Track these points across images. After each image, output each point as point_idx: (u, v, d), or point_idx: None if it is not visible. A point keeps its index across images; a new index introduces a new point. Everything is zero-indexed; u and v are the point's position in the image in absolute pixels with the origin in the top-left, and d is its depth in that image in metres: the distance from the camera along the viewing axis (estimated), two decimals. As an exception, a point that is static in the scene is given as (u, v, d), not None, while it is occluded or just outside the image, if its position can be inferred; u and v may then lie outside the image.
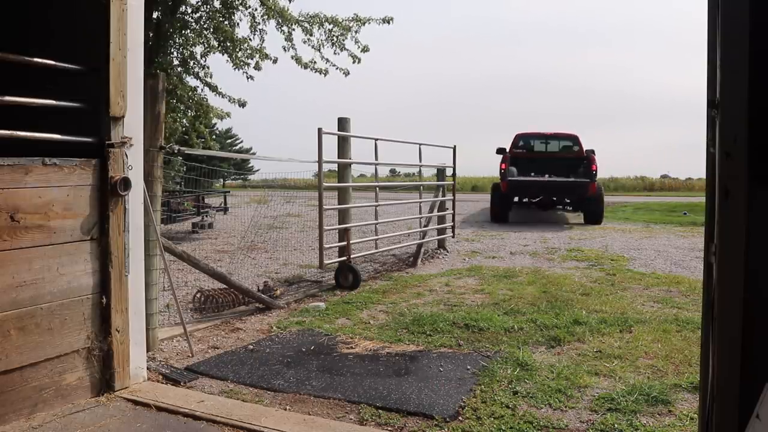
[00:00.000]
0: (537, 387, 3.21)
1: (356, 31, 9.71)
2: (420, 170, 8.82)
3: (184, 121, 10.64)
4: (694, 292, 5.72)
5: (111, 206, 2.99)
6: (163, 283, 4.36)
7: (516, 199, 14.04)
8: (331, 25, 9.62)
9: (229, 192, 13.72)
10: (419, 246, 8.07)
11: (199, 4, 9.49)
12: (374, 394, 3.14)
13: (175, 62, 9.95)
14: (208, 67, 10.19)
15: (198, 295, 5.15)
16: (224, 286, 5.11)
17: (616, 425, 2.74)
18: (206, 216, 12.16)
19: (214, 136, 12.90)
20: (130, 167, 3.07)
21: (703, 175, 1.69)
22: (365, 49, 9.91)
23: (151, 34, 8.44)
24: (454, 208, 9.22)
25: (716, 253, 1.51)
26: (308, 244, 9.10)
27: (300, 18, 9.55)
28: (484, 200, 15.53)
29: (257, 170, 19.14)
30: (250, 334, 4.40)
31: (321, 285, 6.30)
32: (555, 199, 13.78)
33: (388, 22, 9.71)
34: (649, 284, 6.27)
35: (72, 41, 3.12)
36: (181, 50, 9.88)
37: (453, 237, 9.37)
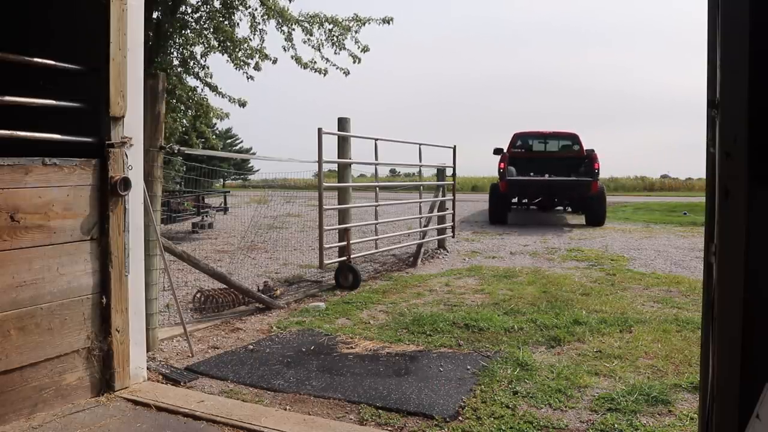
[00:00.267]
0: (537, 387, 3.21)
1: (356, 31, 9.75)
2: (420, 170, 8.82)
3: (184, 121, 10.67)
4: (694, 292, 5.72)
5: (111, 206, 3.00)
6: (163, 283, 4.36)
7: (515, 200, 13.81)
8: (331, 25, 9.64)
9: (229, 192, 13.70)
10: (419, 246, 8.08)
11: (199, 4, 9.50)
12: (374, 394, 3.14)
13: (175, 62, 9.97)
14: (208, 67, 10.24)
15: (198, 295, 5.15)
16: (224, 286, 5.11)
17: (616, 425, 2.74)
18: (206, 216, 12.15)
19: (214, 136, 12.89)
20: (130, 167, 3.07)
21: (703, 175, 1.69)
22: (365, 49, 9.93)
23: (151, 34, 8.45)
24: (454, 208, 9.22)
25: (716, 253, 1.51)
26: (308, 244, 9.10)
27: (300, 18, 9.57)
28: (484, 200, 15.49)
29: (257, 170, 19.20)
30: (250, 334, 4.40)
31: (321, 285, 6.30)
32: (555, 199, 13.49)
33: (388, 22, 9.72)
34: (649, 284, 6.27)
35: (72, 41, 3.12)
36: (181, 50, 9.91)
37: (453, 237, 9.37)
